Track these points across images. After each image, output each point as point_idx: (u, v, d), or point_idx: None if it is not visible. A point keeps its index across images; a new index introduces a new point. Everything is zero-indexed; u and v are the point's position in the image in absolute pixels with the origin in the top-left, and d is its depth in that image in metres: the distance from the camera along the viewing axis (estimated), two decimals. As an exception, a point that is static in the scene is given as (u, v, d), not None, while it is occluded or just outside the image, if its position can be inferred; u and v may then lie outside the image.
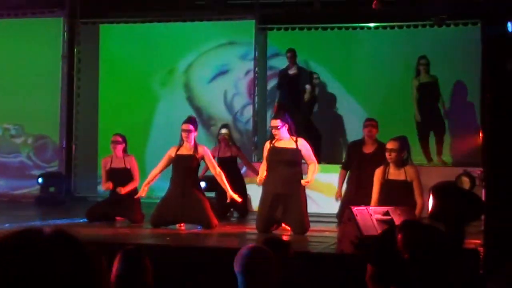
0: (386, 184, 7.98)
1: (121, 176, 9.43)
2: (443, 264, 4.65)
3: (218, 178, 9.00)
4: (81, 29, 13.14)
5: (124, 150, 9.62)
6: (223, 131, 10.54)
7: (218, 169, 8.98)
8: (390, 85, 12.30)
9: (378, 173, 8.09)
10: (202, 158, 8.94)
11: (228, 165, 10.18)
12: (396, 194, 7.85)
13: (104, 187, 9.81)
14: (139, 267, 4.33)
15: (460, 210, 6.47)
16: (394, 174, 7.97)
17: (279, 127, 8.47)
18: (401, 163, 7.98)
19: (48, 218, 10.18)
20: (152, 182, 9.13)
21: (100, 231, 8.49)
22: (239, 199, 9.00)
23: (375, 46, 12.60)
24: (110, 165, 9.57)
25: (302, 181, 8.46)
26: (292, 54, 11.80)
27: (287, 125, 8.51)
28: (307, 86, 11.71)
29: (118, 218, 9.49)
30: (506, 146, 6.02)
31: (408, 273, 4.60)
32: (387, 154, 8.00)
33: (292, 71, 11.81)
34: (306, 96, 11.69)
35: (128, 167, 9.50)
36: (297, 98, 11.59)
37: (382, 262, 4.80)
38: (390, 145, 8.05)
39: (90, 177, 12.35)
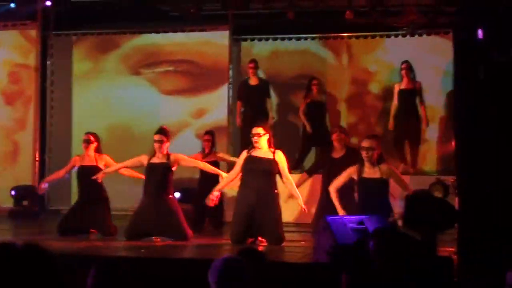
0: (362, 182, 7.95)
1: (91, 174, 9.27)
2: (415, 272, 4.66)
3: (206, 169, 9.19)
4: (54, 41, 13.07)
5: (97, 149, 9.52)
6: (206, 137, 10.55)
7: (200, 162, 9.17)
8: (363, 94, 12.38)
9: (351, 170, 8.04)
10: (177, 164, 8.92)
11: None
12: (371, 192, 7.87)
13: (42, 184, 9.95)
14: (113, 281, 4.30)
15: (433, 218, 6.51)
16: (369, 172, 7.93)
17: (261, 135, 8.48)
18: (376, 161, 7.94)
19: (21, 232, 10.09)
20: (111, 173, 9.31)
21: (74, 244, 8.42)
22: (225, 174, 9.01)
23: (350, 56, 12.68)
24: (81, 163, 9.49)
25: (300, 205, 8.39)
26: (253, 65, 11.85)
27: (268, 135, 8.53)
28: (267, 99, 11.79)
29: (91, 230, 9.40)
30: (479, 154, 6.06)
31: (381, 281, 4.60)
32: (363, 153, 7.92)
33: (253, 82, 11.87)
34: (270, 108, 11.75)
35: (100, 165, 9.40)
36: (258, 109, 11.61)
37: (357, 271, 4.80)
38: (366, 144, 7.98)
39: (64, 190, 12.26)
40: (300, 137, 12.20)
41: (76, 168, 9.56)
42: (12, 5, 12.16)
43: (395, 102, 11.60)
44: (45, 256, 2.16)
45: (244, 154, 8.66)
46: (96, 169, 9.33)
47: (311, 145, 11.94)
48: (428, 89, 11.93)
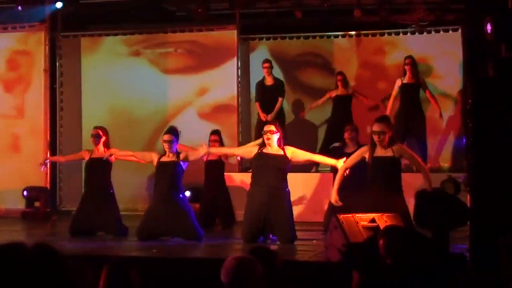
0: (374, 161, 7.87)
1: (100, 166, 9.36)
2: (425, 270, 4.65)
3: (213, 150, 9.44)
4: (63, 43, 13.10)
5: (105, 144, 9.55)
6: (213, 137, 10.55)
7: (202, 147, 9.01)
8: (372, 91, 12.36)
9: (363, 149, 8.02)
10: (185, 158, 8.94)
11: (215, 168, 10.43)
12: (384, 170, 7.84)
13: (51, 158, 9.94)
14: (126, 281, 4.31)
15: (443, 215, 6.51)
16: (381, 152, 7.88)
17: (273, 132, 8.49)
18: (388, 144, 7.88)
19: (33, 233, 10.13)
20: (120, 157, 9.44)
21: (86, 245, 8.45)
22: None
23: (358, 54, 12.67)
24: (90, 156, 9.52)
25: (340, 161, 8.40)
26: (268, 65, 11.85)
27: (279, 133, 8.54)
28: (279, 98, 11.77)
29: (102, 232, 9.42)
30: (490, 150, 6.06)
31: (391, 280, 4.59)
32: (375, 137, 7.85)
33: (268, 82, 11.87)
34: (278, 107, 11.73)
35: (109, 158, 9.43)
36: (273, 109, 11.63)
37: (368, 269, 4.79)
38: (377, 127, 7.90)
39: (76, 191, 12.28)
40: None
41: (84, 161, 9.60)
42: (19, 8, 12.17)
43: (393, 94, 11.51)
44: (55, 256, 2.17)
45: (254, 150, 8.66)
46: (105, 162, 9.37)
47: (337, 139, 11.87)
48: (437, 86, 11.92)
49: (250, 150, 8.88)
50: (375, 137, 7.86)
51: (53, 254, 2.10)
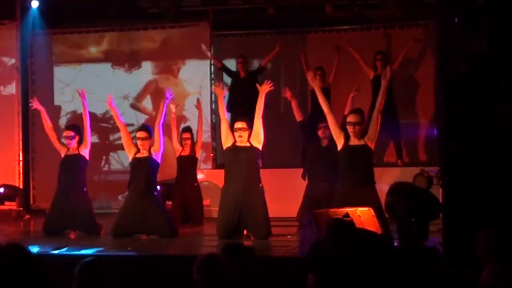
0: (347, 150, 7.93)
1: (74, 163, 9.32)
2: (373, 265, 4.56)
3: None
4: (34, 40, 13.01)
5: (79, 141, 9.45)
6: (185, 135, 10.54)
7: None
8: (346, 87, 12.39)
9: (340, 136, 8.02)
10: (157, 152, 8.95)
11: (186, 163, 10.45)
12: (357, 159, 7.89)
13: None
14: (99, 279, 4.30)
15: (410, 208, 6.56)
16: (355, 142, 7.95)
17: (245, 130, 8.49)
18: (361, 135, 7.96)
19: (6, 232, 10.05)
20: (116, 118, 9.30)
21: (59, 244, 8.39)
22: None
23: (329, 50, 12.69)
24: (66, 153, 9.45)
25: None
26: (242, 60, 11.85)
27: (249, 130, 8.54)
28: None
29: (76, 230, 9.36)
30: (462, 145, 6.11)
31: (344, 278, 4.48)
32: (349, 128, 7.93)
33: (243, 76, 11.88)
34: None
35: (83, 153, 9.36)
36: (248, 102, 11.60)
37: (319, 268, 4.64)
38: (352, 119, 7.98)
39: (50, 189, 12.19)
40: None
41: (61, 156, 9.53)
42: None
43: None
44: (27, 255, 2.17)
45: (230, 142, 8.62)
46: (79, 157, 9.34)
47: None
48: (409, 81, 11.99)
49: (227, 136, 8.77)
50: (350, 128, 7.93)
51: (25, 253, 2.09)
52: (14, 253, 2.35)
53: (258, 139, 8.54)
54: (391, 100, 11.49)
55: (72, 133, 9.43)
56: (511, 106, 6.04)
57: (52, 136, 9.59)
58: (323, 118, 8.88)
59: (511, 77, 6.06)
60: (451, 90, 6.15)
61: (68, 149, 9.45)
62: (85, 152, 9.38)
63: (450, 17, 6.33)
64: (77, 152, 9.37)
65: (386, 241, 5.57)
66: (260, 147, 8.59)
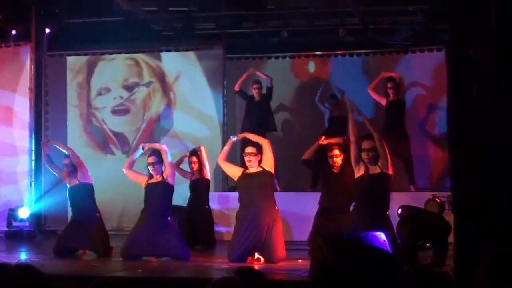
0: (367, 178, 7.70)
1: (79, 192, 9.38)
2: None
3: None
4: (48, 62, 13.09)
5: (78, 166, 9.46)
6: (191, 159, 10.56)
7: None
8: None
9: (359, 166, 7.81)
10: (171, 178, 8.96)
11: (197, 186, 10.48)
12: (376, 187, 7.69)
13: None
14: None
15: (415, 232, 6.51)
16: (373, 170, 7.74)
17: (254, 155, 8.48)
18: (375, 161, 7.73)
19: (17, 253, 10.06)
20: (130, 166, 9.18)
21: (69, 265, 8.40)
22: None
23: (343, 73, 12.73)
24: (69, 184, 9.49)
25: None
26: (258, 86, 11.88)
27: (260, 155, 8.53)
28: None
29: (86, 251, 9.37)
30: (473, 170, 6.08)
31: None
32: (363, 155, 7.70)
33: (257, 99, 11.92)
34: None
35: (81, 180, 9.40)
36: (261, 126, 11.64)
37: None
38: (366, 145, 7.73)
39: (61, 210, 12.24)
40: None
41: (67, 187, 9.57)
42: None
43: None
44: (37, 276, 2.16)
45: (237, 173, 8.63)
46: (82, 185, 9.38)
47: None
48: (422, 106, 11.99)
49: (233, 170, 8.83)
50: (364, 155, 7.73)
51: (35, 274, 2.09)
52: (24, 273, 2.35)
53: (270, 163, 8.54)
54: (402, 126, 11.48)
55: (68, 161, 9.48)
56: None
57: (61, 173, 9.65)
58: (332, 146, 8.91)
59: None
60: (463, 113, 6.14)
61: (70, 180, 9.49)
62: (86, 179, 9.47)
63: (462, 42, 6.33)
64: (78, 181, 9.43)
65: (394, 262, 5.51)
66: (272, 171, 8.58)
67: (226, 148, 8.93)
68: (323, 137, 9.28)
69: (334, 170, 9.20)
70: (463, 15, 6.23)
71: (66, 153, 9.54)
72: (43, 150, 9.97)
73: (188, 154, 10.77)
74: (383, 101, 11.59)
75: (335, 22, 12.11)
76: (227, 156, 8.84)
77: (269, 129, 11.74)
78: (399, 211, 7.93)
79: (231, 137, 9.07)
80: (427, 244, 8.03)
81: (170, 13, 12.08)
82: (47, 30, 12.55)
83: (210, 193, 10.77)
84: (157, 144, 9.61)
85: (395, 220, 7.81)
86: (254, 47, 12.92)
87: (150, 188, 8.96)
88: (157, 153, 9.04)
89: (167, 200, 8.99)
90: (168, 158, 8.98)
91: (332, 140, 9.24)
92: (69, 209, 9.91)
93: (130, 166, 9.17)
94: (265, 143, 8.59)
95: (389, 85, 11.53)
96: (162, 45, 12.97)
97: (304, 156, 9.36)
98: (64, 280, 6.97)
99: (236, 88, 12.00)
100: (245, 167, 8.60)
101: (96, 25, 12.53)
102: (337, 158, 9.08)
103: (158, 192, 8.91)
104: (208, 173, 10.63)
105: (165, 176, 8.95)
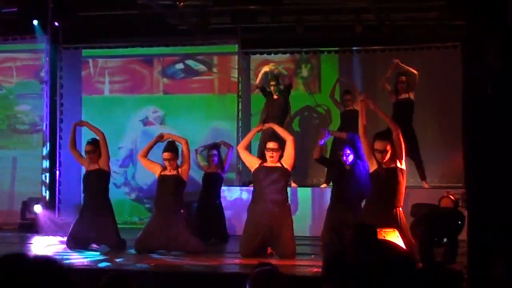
0: (380, 173, 7.65)
1: (96, 177, 9.35)
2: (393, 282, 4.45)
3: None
4: (63, 55, 13.12)
5: (99, 155, 9.45)
6: (213, 151, 10.58)
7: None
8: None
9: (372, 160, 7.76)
10: (185, 174, 8.95)
11: (211, 180, 10.48)
12: (389, 182, 7.65)
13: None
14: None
15: (430, 229, 6.49)
16: (387, 164, 7.69)
17: (276, 150, 8.48)
18: (390, 161, 7.67)
19: (31, 245, 10.10)
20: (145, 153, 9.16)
21: (83, 257, 8.43)
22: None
23: (355, 69, 12.69)
24: (86, 168, 9.49)
25: None
26: (275, 82, 11.84)
27: (281, 151, 8.53)
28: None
29: (99, 244, 9.38)
30: (488, 168, 6.06)
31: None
32: (378, 156, 7.60)
33: (275, 96, 11.87)
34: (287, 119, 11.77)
35: (102, 167, 9.39)
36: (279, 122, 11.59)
37: (338, 277, 4.50)
38: (380, 146, 7.59)
39: (74, 202, 12.27)
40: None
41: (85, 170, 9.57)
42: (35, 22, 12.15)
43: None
44: (57, 267, 2.17)
45: (256, 163, 8.63)
46: (101, 172, 9.35)
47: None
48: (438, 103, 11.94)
49: (251, 161, 8.81)
50: (378, 156, 7.65)
51: (55, 265, 2.10)
52: (43, 264, 2.35)
53: (290, 161, 8.53)
54: (409, 125, 11.40)
55: (91, 147, 9.45)
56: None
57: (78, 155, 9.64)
58: (343, 145, 8.95)
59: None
60: (478, 112, 6.11)
61: (89, 164, 9.47)
62: (106, 166, 9.41)
63: (478, 38, 6.29)
64: (97, 166, 9.40)
65: (410, 258, 5.49)
66: (290, 168, 8.57)
67: (249, 136, 8.93)
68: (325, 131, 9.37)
69: (346, 167, 9.23)
70: (479, 11, 6.19)
71: (97, 137, 9.50)
72: (71, 135, 9.81)
73: (210, 145, 10.77)
74: (392, 99, 11.53)
75: (351, 18, 12.05)
76: (248, 145, 8.87)
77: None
78: (413, 210, 7.92)
79: (258, 124, 9.06)
80: (444, 240, 8.00)
81: (185, 7, 12.05)
82: (57, 24, 12.53)
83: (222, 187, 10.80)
84: (177, 135, 9.58)
85: (408, 219, 7.80)
86: (269, 42, 12.89)
87: (162, 180, 8.98)
88: (172, 148, 9.04)
89: (178, 193, 9.01)
90: (188, 153, 8.99)
91: (336, 134, 9.40)
92: (82, 198, 9.84)
93: (145, 154, 9.17)
94: (289, 139, 8.57)
95: (401, 79, 11.45)
96: (177, 39, 12.96)
97: (315, 155, 9.39)
98: (78, 273, 7.01)
99: (257, 82, 11.93)
100: (263, 159, 8.62)
101: (111, 18, 12.53)
102: (348, 157, 9.13)
103: (171, 186, 8.92)
104: (226, 171, 10.62)
105: (180, 171, 8.96)
